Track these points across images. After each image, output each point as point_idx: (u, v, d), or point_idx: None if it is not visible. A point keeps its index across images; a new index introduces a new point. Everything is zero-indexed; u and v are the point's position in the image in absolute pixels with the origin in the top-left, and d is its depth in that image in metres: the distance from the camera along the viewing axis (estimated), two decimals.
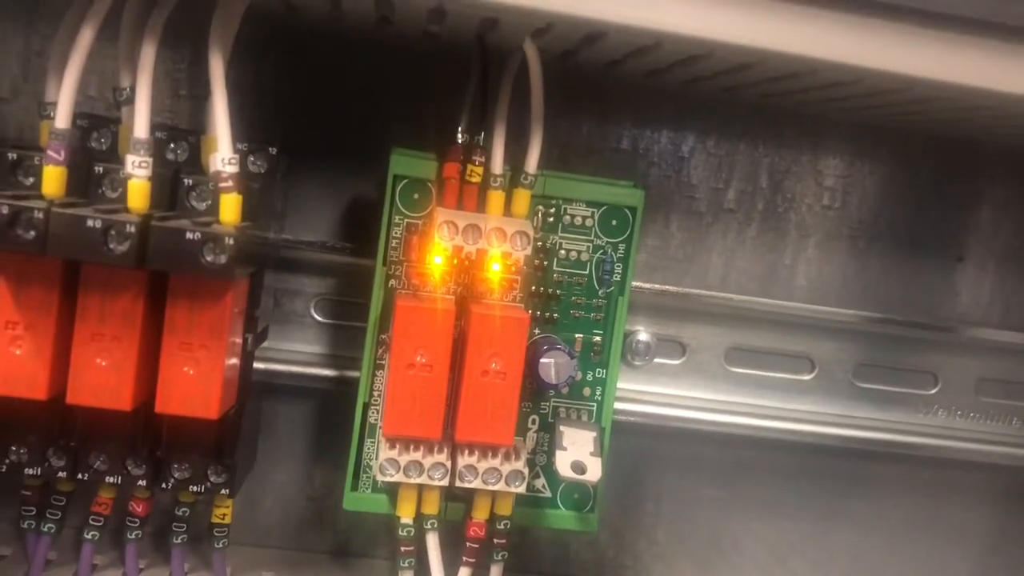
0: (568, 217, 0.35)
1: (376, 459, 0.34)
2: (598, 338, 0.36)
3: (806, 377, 0.43)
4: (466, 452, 0.33)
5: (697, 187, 0.41)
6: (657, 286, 0.41)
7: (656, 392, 0.42)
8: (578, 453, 0.34)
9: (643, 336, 0.41)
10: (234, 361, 0.32)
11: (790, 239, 0.42)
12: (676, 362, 0.42)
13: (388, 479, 0.33)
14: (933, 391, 0.43)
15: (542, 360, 0.34)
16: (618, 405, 0.39)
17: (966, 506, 0.44)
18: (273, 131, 0.37)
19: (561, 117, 0.40)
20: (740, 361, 0.42)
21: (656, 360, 0.42)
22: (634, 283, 0.39)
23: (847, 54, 0.27)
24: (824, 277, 0.42)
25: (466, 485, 0.33)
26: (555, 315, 0.36)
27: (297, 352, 0.39)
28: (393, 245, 0.34)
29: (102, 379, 0.30)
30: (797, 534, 0.44)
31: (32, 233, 0.27)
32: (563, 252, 0.35)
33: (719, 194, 0.41)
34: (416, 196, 0.34)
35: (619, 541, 0.43)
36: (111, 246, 0.27)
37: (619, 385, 0.37)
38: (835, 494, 0.44)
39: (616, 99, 0.40)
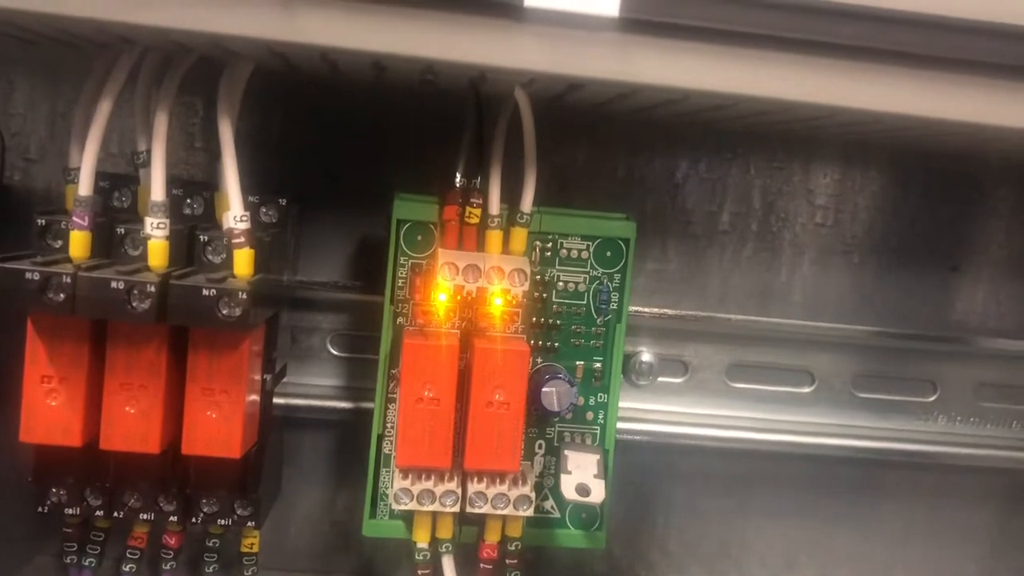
0: (564, 251, 0.37)
1: (391, 488, 0.36)
2: (598, 364, 0.38)
3: (806, 390, 0.44)
4: (475, 479, 0.35)
5: (692, 211, 0.43)
6: (657, 309, 0.43)
7: (661, 410, 0.43)
8: (582, 476, 0.36)
9: (646, 357, 0.43)
10: (254, 400, 0.34)
11: (785, 257, 0.44)
12: (679, 380, 0.44)
13: (403, 507, 0.35)
14: (932, 398, 0.45)
15: (544, 389, 0.35)
16: (625, 424, 0.40)
17: (968, 509, 0.46)
18: (283, 180, 0.39)
19: (557, 152, 0.42)
20: (741, 377, 0.44)
21: (660, 379, 0.43)
22: (635, 308, 0.41)
23: (813, 94, 0.29)
24: (820, 293, 0.44)
25: (477, 511, 0.35)
26: (556, 344, 0.37)
27: (315, 386, 0.42)
28: (399, 284, 0.36)
29: (131, 425, 0.32)
30: (804, 540, 0.45)
31: (62, 296, 0.29)
32: (561, 284, 0.37)
33: (713, 217, 0.43)
34: (419, 238, 0.36)
35: (633, 552, 0.44)
36: (134, 304, 0.30)
37: (625, 404, 0.39)
38: (839, 501, 0.45)
39: (608, 132, 0.42)
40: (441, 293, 0.35)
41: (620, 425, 0.38)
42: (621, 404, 0.38)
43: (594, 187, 0.42)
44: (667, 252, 0.43)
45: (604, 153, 0.42)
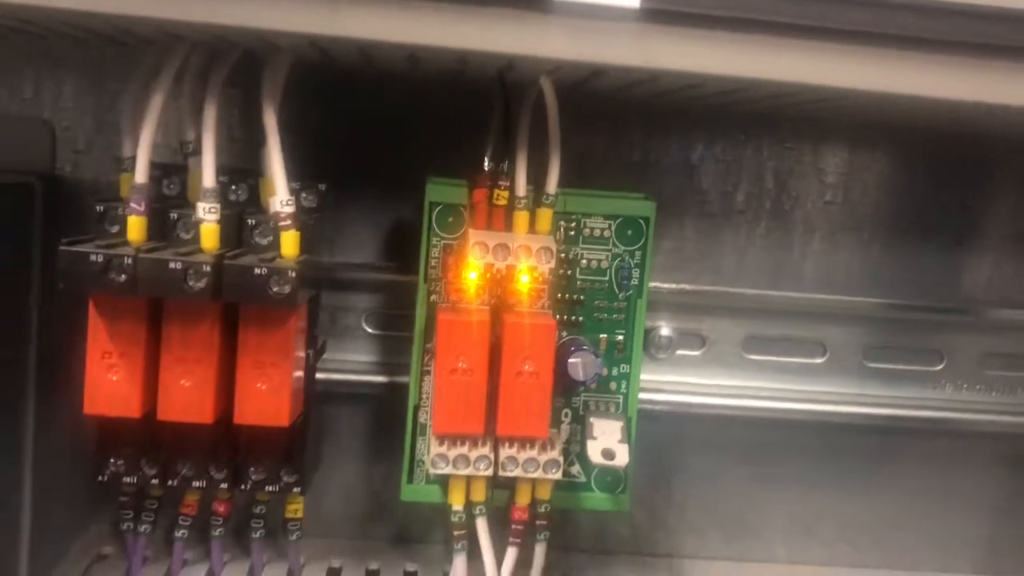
0: (588, 230, 0.39)
1: (428, 454, 0.38)
2: (621, 337, 0.40)
3: (819, 360, 0.46)
4: (507, 445, 0.37)
5: (708, 191, 0.45)
6: (675, 285, 0.45)
7: (680, 381, 0.45)
8: (607, 441, 0.38)
9: (665, 331, 0.45)
10: (299, 374, 0.37)
11: (797, 234, 0.46)
12: (697, 353, 0.46)
13: (440, 471, 0.37)
14: (939, 367, 0.47)
15: (570, 360, 0.37)
16: (646, 395, 0.43)
17: (976, 474, 0.48)
18: (321, 166, 0.41)
19: (580, 135, 0.44)
20: (756, 349, 0.46)
21: (678, 352, 0.45)
22: (654, 283, 0.43)
23: (820, 77, 0.31)
24: (831, 268, 0.46)
25: (508, 474, 0.37)
26: (580, 318, 0.39)
27: (353, 362, 0.44)
28: (432, 264, 0.38)
29: (187, 397, 0.34)
30: (819, 505, 0.48)
31: (123, 277, 0.32)
32: (585, 262, 0.39)
33: (729, 197, 0.45)
34: (451, 219, 0.38)
35: (653, 518, 0.47)
36: (190, 284, 0.32)
37: (645, 377, 0.41)
38: (853, 467, 0.47)
39: (628, 116, 0.44)
40: (472, 271, 0.37)
41: (641, 395, 0.41)
42: (642, 376, 0.40)
43: (615, 169, 0.44)
44: (684, 231, 0.45)
45: (624, 137, 0.44)
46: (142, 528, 0.39)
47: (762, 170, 0.45)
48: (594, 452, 0.38)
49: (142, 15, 0.28)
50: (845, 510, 0.48)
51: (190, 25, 0.29)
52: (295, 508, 0.40)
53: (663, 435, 0.45)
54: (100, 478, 0.37)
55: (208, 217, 0.33)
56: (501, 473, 0.37)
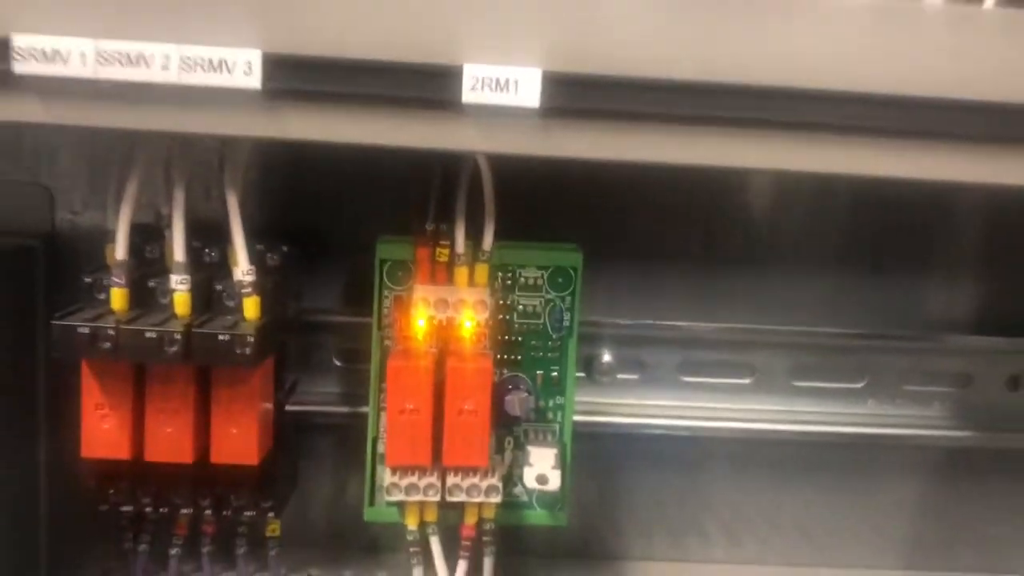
0: (522, 279, 0.44)
1: (385, 482, 0.43)
2: (556, 373, 0.45)
3: (747, 381, 0.51)
4: (452, 473, 0.42)
5: (640, 235, 0.49)
6: (615, 319, 0.49)
7: (620, 403, 0.50)
8: (542, 468, 0.43)
9: (607, 358, 0.50)
10: (267, 416, 0.42)
11: (722, 270, 0.50)
12: (635, 376, 0.50)
13: (394, 499, 0.42)
14: (861, 384, 0.51)
15: (506, 398, 0.42)
16: (586, 418, 0.47)
17: (897, 482, 0.52)
18: (286, 224, 0.46)
19: (519, 192, 0.48)
20: (691, 372, 0.50)
21: (619, 376, 0.50)
22: (595, 317, 0.48)
23: (697, 158, 0.35)
24: (761, 298, 0.50)
25: (455, 499, 0.42)
26: (519, 357, 0.44)
27: (324, 393, 0.49)
28: (384, 313, 0.43)
29: (169, 441, 0.40)
30: (753, 509, 0.52)
31: (108, 345, 0.37)
32: (521, 307, 0.44)
33: (661, 238, 0.49)
34: (400, 273, 0.43)
35: (598, 524, 0.52)
36: (166, 349, 0.37)
37: (588, 399, 0.46)
38: (783, 479, 0.52)
39: (566, 173, 0.48)
40: (419, 320, 0.42)
41: (585, 418, 0.46)
42: (585, 399, 0.45)
43: (554, 217, 0.49)
44: (619, 270, 0.49)
45: (559, 188, 0.49)
46: (141, 547, 0.45)
47: (688, 209, 0.49)
48: (529, 478, 0.43)
49: (88, 124, 0.33)
50: (776, 515, 0.52)
51: (138, 131, 0.34)
52: (273, 528, 0.46)
53: (607, 452, 0.50)
54: (101, 507, 0.43)
55: (180, 287, 0.39)
56: (448, 498, 0.42)
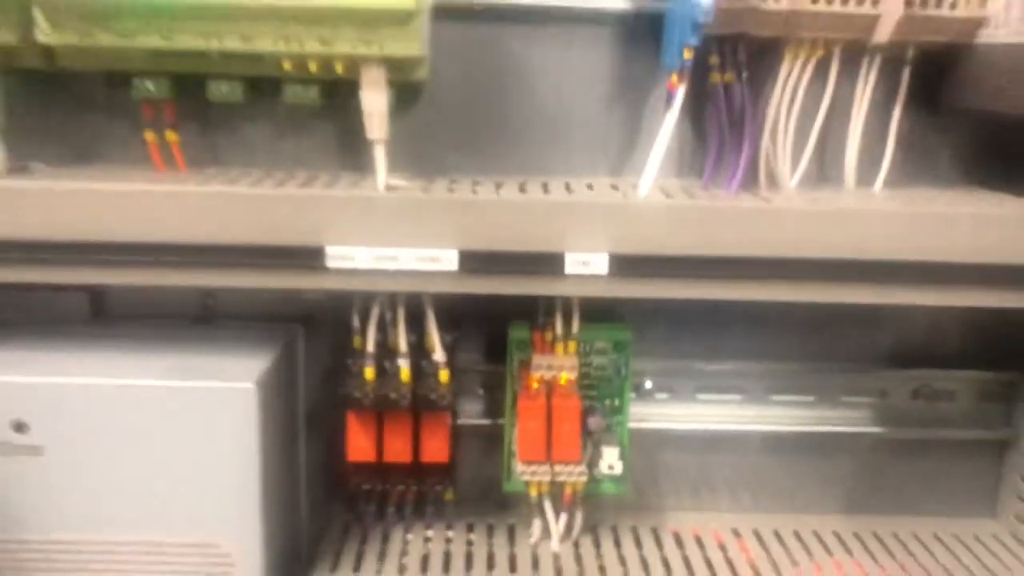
0: (597, 347, 0.73)
1: (516, 468, 0.72)
2: (617, 403, 0.73)
3: (739, 397, 0.79)
4: (557, 464, 0.71)
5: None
6: (655, 363, 0.78)
7: (657, 412, 0.79)
8: (610, 460, 0.72)
9: (648, 385, 0.78)
10: (450, 432, 0.71)
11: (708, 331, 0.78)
12: (666, 396, 0.79)
13: (522, 479, 0.72)
14: (812, 399, 0.79)
15: (588, 419, 0.71)
16: (637, 425, 0.76)
17: (837, 460, 0.80)
18: (460, 317, 0.75)
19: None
20: (703, 392, 0.79)
21: (656, 395, 0.79)
22: (644, 363, 0.76)
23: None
24: (747, 347, 0.78)
25: (559, 480, 0.72)
26: (595, 394, 0.73)
27: (475, 413, 0.78)
28: (514, 369, 0.72)
29: (398, 450, 0.70)
30: (744, 479, 0.81)
31: (368, 401, 0.66)
32: (596, 364, 0.73)
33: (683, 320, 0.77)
34: (524, 346, 0.72)
35: (645, 489, 0.81)
36: (400, 402, 0.66)
37: (637, 411, 0.75)
38: (763, 459, 0.80)
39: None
40: (536, 375, 0.71)
41: (636, 425, 0.74)
42: (636, 411, 0.74)
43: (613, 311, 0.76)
44: (655, 336, 0.78)
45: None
46: (371, 509, 0.75)
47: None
48: (603, 466, 0.72)
49: (370, 289, 0.63)
50: (761, 480, 0.81)
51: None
52: (448, 495, 0.75)
53: (649, 444, 0.79)
54: (362, 486, 0.73)
55: (403, 365, 0.68)
56: (555, 479, 0.72)
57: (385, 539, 0.75)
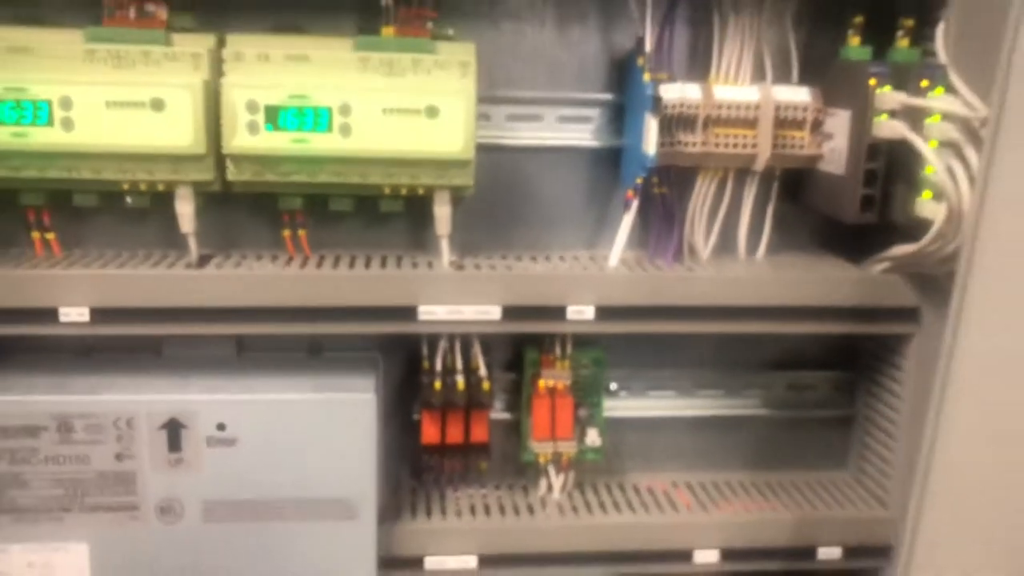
0: (584, 366, 1.09)
1: (531, 444, 1.08)
2: (596, 400, 1.10)
3: (675, 392, 1.17)
4: (559, 441, 1.08)
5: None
6: (617, 371, 1.15)
7: (620, 405, 1.16)
8: (592, 437, 1.09)
9: (613, 387, 1.15)
10: (488, 422, 1.07)
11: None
12: (626, 393, 1.16)
13: (535, 451, 1.08)
14: (723, 391, 1.17)
15: (578, 411, 1.08)
16: (608, 414, 1.13)
17: (741, 431, 1.18)
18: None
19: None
20: (654, 390, 1.16)
21: (620, 394, 1.16)
22: (614, 371, 1.14)
23: None
24: (686, 357, 1.16)
25: (559, 451, 1.08)
26: (582, 395, 1.10)
27: (498, 408, 1.14)
28: (527, 377, 1.09)
29: (454, 434, 1.05)
30: (682, 446, 1.19)
31: (438, 405, 1.02)
32: (583, 378, 1.10)
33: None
34: (535, 363, 1.08)
35: (616, 459, 1.18)
36: (457, 403, 1.02)
37: (609, 404, 1.12)
38: (695, 433, 1.18)
39: None
40: (545, 383, 1.07)
41: (608, 415, 1.11)
42: (608, 404, 1.11)
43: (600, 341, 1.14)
44: (624, 355, 1.15)
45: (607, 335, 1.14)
46: (432, 476, 1.11)
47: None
48: (587, 442, 1.09)
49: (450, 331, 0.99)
50: (694, 447, 1.19)
51: None
52: (483, 466, 1.11)
53: (616, 428, 1.16)
54: (423, 460, 1.08)
55: (459, 379, 1.04)
56: (556, 451, 1.08)
57: (442, 496, 1.11)
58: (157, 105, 0.90)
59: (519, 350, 1.10)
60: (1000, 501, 0.90)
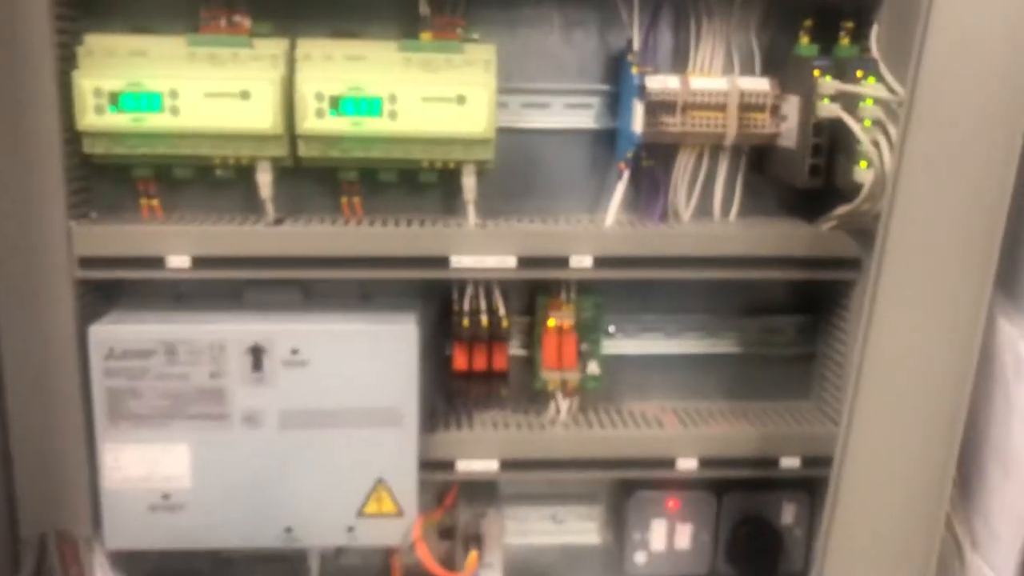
0: (585, 308, 1.33)
1: (542, 373, 1.32)
2: (595, 337, 1.34)
3: (664, 335, 1.40)
4: (565, 371, 1.31)
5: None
6: (617, 316, 1.38)
7: (616, 344, 1.39)
8: (592, 368, 1.32)
9: (611, 329, 1.39)
10: (507, 354, 1.31)
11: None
12: (624, 335, 1.39)
13: (544, 378, 1.32)
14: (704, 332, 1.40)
15: (580, 346, 1.31)
16: (607, 351, 1.37)
17: (722, 366, 1.41)
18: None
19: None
20: (648, 332, 1.39)
21: (616, 336, 1.39)
22: (612, 316, 1.37)
23: None
24: (678, 301, 1.39)
25: (564, 379, 1.32)
26: (584, 333, 1.33)
27: (516, 346, 1.38)
28: (539, 320, 1.32)
29: (481, 362, 1.29)
30: (674, 375, 1.42)
31: (469, 336, 1.26)
32: (584, 317, 1.33)
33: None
34: (545, 306, 1.32)
35: (612, 386, 1.41)
36: (482, 336, 1.26)
37: (607, 343, 1.35)
38: (685, 368, 1.41)
39: None
40: (551, 324, 1.31)
41: (606, 352, 1.35)
42: (605, 343, 1.34)
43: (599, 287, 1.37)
44: (622, 303, 1.38)
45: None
46: (461, 399, 1.34)
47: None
48: (589, 372, 1.32)
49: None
50: (684, 376, 1.42)
51: None
52: (504, 392, 1.34)
53: (612, 365, 1.39)
54: (454, 384, 1.32)
55: (483, 317, 1.28)
56: (562, 378, 1.32)
57: (469, 415, 1.35)
58: (244, 95, 1.15)
59: (532, 297, 1.33)
60: (913, 410, 1.12)
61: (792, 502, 1.37)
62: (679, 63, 1.27)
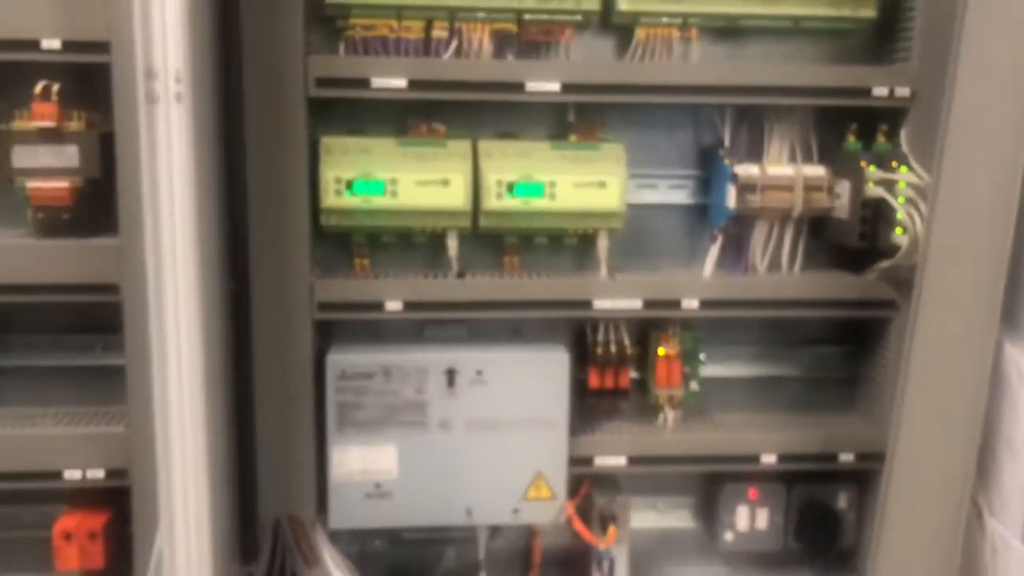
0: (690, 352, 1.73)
1: (653, 391, 1.71)
2: (692, 367, 1.73)
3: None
4: (671, 388, 1.71)
5: None
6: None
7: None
8: (693, 386, 1.72)
9: (703, 357, 1.78)
10: (628, 376, 1.70)
11: None
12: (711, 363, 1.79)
13: (656, 395, 1.71)
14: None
15: (683, 370, 1.71)
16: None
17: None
18: None
19: None
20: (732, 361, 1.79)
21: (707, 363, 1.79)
22: None
23: None
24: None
25: (672, 394, 1.71)
26: (685, 362, 1.73)
27: (633, 370, 1.77)
28: (651, 354, 1.72)
29: (608, 382, 1.68)
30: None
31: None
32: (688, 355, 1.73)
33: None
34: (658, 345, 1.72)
35: (705, 406, 1.80)
36: (610, 362, 1.66)
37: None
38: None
39: None
40: (661, 355, 1.71)
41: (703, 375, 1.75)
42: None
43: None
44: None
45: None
46: (593, 413, 1.73)
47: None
48: (690, 389, 1.72)
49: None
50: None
51: None
52: (625, 406, 1.73)
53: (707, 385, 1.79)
54: (589, 399, 1.71)
55: (613, 350, 1.68)
56: (670, 395, 1.71)
57: (600, 424, 1.74)
58: (445, 183, 1.56)
59: (643, 332, 1.73)
60: (944, 413, 1.51)
61: (845, 491, 1.75)
62: (754, 155, 1.70)
